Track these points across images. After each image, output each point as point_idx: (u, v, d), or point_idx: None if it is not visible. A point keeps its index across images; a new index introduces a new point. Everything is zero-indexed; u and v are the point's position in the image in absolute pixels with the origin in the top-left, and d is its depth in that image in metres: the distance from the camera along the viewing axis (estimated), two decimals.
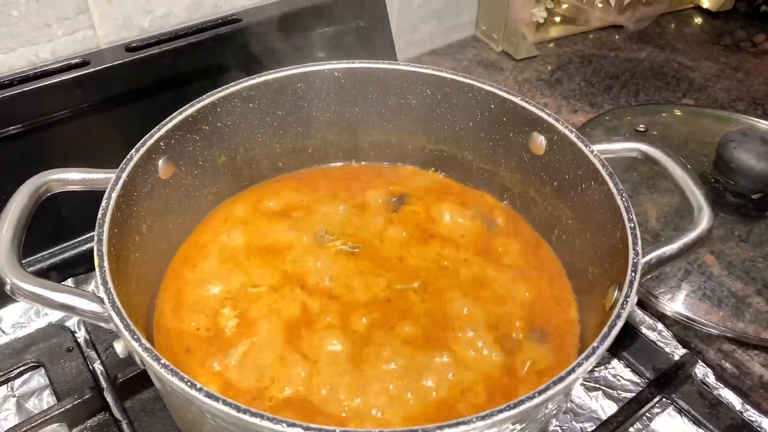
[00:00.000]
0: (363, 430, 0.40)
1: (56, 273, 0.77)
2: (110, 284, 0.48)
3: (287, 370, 0.57)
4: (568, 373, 0.44)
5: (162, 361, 0.44)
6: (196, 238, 0.70)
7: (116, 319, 0.46)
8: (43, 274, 0.74)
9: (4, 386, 0.69)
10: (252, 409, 0.41)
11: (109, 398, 0.66)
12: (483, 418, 0.41)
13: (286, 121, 0.73)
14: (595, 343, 0.46)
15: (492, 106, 0.69)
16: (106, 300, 0.47)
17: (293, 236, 0.70)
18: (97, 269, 0.49)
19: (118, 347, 0.49)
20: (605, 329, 0.47)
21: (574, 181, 0.64)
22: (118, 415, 0.65)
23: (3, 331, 0.73)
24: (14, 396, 0.68)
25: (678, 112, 1.01)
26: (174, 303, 0.64)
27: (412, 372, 0.57)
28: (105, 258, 0.50)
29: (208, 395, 0.42)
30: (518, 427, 0.46)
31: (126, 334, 0.45)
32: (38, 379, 0.69)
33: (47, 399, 0.68)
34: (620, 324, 0.48)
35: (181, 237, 0.69)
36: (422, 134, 0.76)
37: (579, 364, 0.45)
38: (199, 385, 0.42)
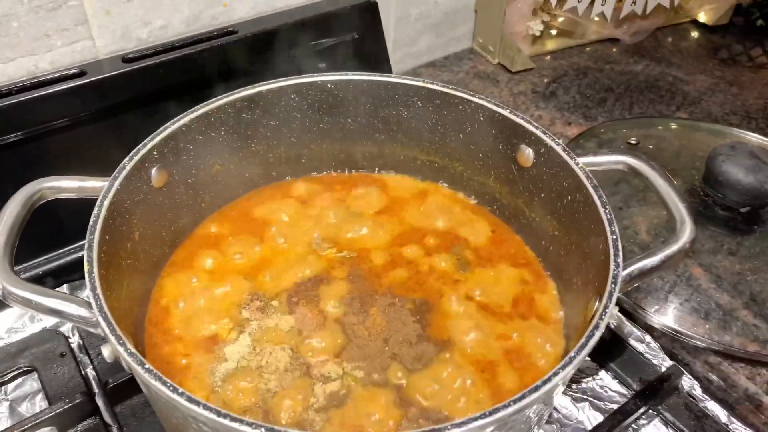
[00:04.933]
0: None
1: (52, 279, 0.78)
2: (98, 290, 0.49)
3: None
4: (545, 382, 0.45)
5: (146, 366, 0.45)
6: (190, 246, 0.71)
7: (103, 323, 0.47)
8: (39, 279, 0.75)
9: None
10: (232, 414, 0.42)
11: (100, 403, 0.67)
12: (458, 425, 0.42)
13: (279, 131, 0.74)
14: (572, 353, 0.47)
15: (481, 119, 0.70)
16: (93, 305, 0.48)
17: (288, 245, 0.71)
18: (86, 275, 0.51)
19: (105, 351, 0.49)
20: (582, 339, 0.48)
21: (561, 193, 0.65)
22: (108, 419, 0.66)
23: None
24: (7, 400, 0.69)
25: (672, 126, 1.02)
26: (165, 310, 0.65)
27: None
28: (94, 264, 0.51)
29: (190, 400, 0.43)
30: None
31: (112, 338, 0.46)
32: (31, 383, 0.70)
33: (40, 403, 0.69)
34: (598, 334, 0.48)
35: (174, 244, 0.70)
36: (414, 145, 0.77)
37: (555, 373, 0.45)
38: (181, 390, 0.43)
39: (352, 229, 0.73)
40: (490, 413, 0.42)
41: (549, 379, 0.45)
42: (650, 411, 0.69)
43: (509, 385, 0.58)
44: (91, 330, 0.50)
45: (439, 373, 0.58)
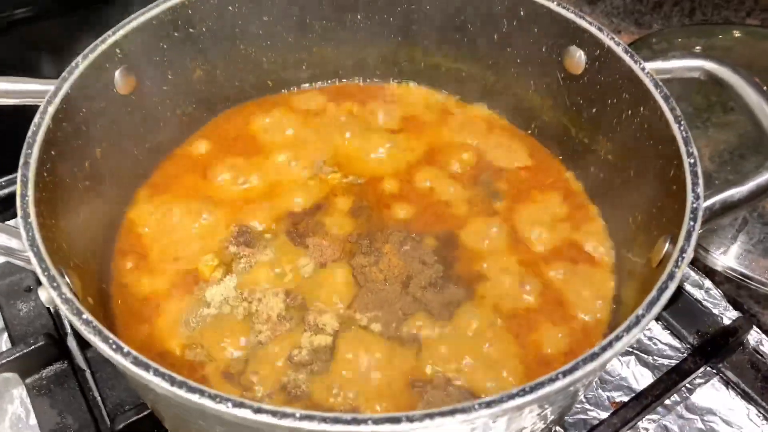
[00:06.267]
0: (332, 414, 0.31)
1: (1, 206, 0.68)
2: (32, 217, 0.39)
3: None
4: (604, 349, 0.34)
5: (84, 317, 0.35)
6: (169, 167, 0.60)
7: (33, 259, 0.37)
8: None
9: None
10: (190, 383, 0.32)
11: (72, 345, 0.59)
12: (488, 405, 0.31)
13: (274, 29, 0.62)
14: (640, 311, 0.36)
15: (521, 14, 0.57)
16: (23, 235, 0.38)
17: (286, 168, 0.60)
18: (18, 198, 0.40)
19: (43, 295, 0.39)
20: (654, 293, 0.37)
21: (619, 106, 0.53)
22: (81, 363, 0.58)
23: None
24: None
25: (739, 34, 0.87)
26: (137, 242, 0.55)
27: None
28: (30, 185, 0.41)
29: (137, 362, 0.33)
30: (538, 411, 0.36)
31: (43, 278, 0.36)
32: None
33: (6, 343, 0.60)
34: (673, 286, 0.38)
35: (150, 166, 0.59)
36: (438, 49, 0.64)
37: (618, 337, 0.35)
38: (126, 349, 0.33)
39: (361, 151, 0.62)
40: (532, 389, 0.32)
41: (610, 345, 0.34)
42: (708, 368, 0.59)
43: (550, 341, 0.48)
44: (25, 265, 0.40)
45: (466, 328, 0.48)
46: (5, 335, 0.61)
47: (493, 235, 0.55)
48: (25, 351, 0.55)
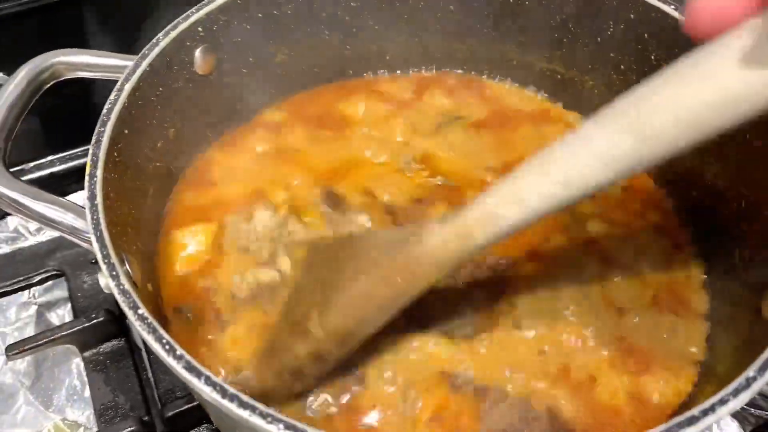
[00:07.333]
0: None
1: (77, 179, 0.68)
2: (99, 199, 0.38)
3: None
4: (704, 413, 0.30)
5: (140, 312, 0.33)
6: (241, 148, 0.58)
7: (95, 243, 0.36)
8: (61, 178, 0.67)
9: (25, 292, 0.62)
10: (242, 396, 0.30)
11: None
12: None
13: (361, 15, 0.59)
14: (751, 372, 0.31)
15: (631, 16, 0.52)
16: (88, 216, 0.37)
17: (372, 158, 0.57)
18: (87, 178, 0.39)
19: (102, 281, 0.38)
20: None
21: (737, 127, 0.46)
22: (139, 343, 0.57)
23: (29, 232, 0.65)
24: (35, 304, 0.62)
25: None
26: (205, 229, 0.53)
27: None
28: (100, 164, 0.40)
29: (189, 367, 0.31)
30: None
31: (103, 266, 0.35)
32: (62, 288, 0.63)
33: (69, 315, 0.61)
34: None
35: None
36: (534, 48, 0.60)
37: (723, 401, 0.30)
38: (179, 352, 0.31)
39: (444, 151, 0.57)
40: None
41: (712, 409, 0.30)
42: None
43: (621, 399, 0.43)
44: (89, 249, 0.39)
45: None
46: (69, 306, 0.61)
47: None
48: (85, 325, 0.55)
